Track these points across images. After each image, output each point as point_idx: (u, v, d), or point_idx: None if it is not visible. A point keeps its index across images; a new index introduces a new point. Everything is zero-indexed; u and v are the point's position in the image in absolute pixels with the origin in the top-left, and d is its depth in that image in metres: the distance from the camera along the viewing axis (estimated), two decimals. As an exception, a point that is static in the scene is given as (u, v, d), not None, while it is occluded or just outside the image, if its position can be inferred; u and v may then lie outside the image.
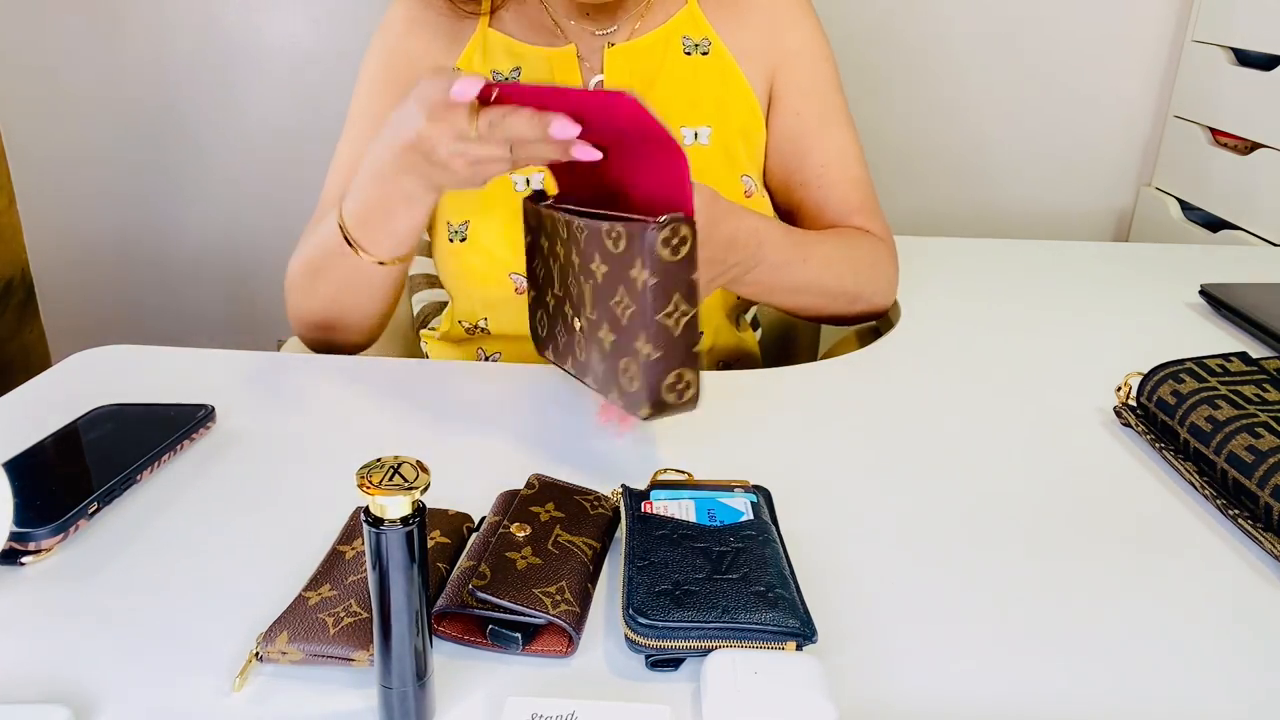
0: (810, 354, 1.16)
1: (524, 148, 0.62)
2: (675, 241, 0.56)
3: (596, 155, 0.61)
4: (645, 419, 0.59)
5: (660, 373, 0.58)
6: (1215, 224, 1.50)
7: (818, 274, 0.83)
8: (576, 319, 0.66)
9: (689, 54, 0.88)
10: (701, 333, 0.72)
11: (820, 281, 0.84)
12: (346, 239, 0.73)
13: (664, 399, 0.58)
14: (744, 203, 0.89)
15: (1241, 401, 0.64)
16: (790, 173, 0.92)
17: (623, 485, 0.57)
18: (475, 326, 0.90)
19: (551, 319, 0.71)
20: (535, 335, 0.74)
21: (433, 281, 1.09)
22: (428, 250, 1.09)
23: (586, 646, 0.47)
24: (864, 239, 0.90)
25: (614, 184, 0.64)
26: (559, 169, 0.70)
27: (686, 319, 0.58)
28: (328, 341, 0.85)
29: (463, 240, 0.86)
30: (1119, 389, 0.72)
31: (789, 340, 1.16)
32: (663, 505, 0.55)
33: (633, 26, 0.88)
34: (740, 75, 0.89)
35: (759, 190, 0.91)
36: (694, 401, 0.60)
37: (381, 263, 0.74)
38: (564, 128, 0.59)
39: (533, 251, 0.72)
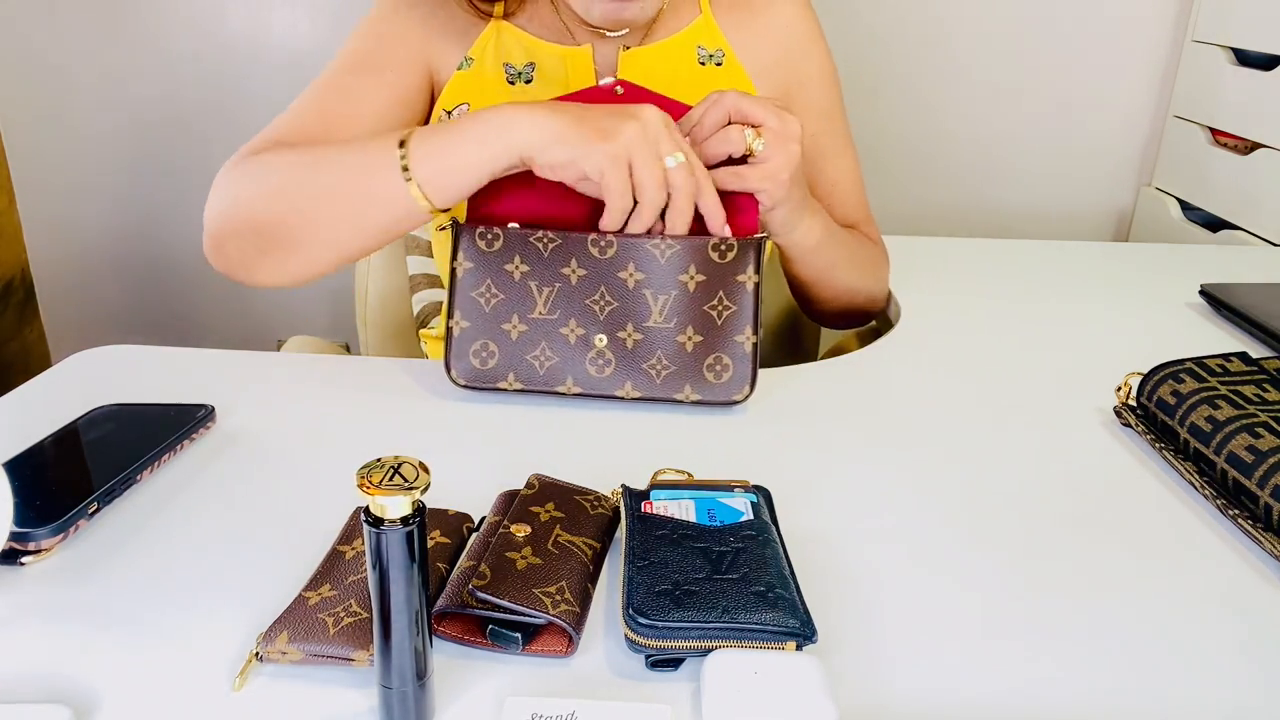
0: (810, 354, 1.16)
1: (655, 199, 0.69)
2: (724, 248, 0.71)
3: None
4: (744, 400, 0.71)
5: (759, 354, 0.71)
6: (1215, 224, 1.50)
7: (842, 255, 0.87)
8: (599, 335, 0.71)
9: (703, 64, 0.89)
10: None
11: (837, 263, 0.87)
12: (401, 155, 0.69)
13: (756, 375, 0.71)
14: None
15: (1241, 401, 0.64)
16: None
17: (623, 485, 0.57)
18: None
19: (515, 346, 0.71)
20: (464, 368, 0.72)
21: (433, 281, 1.09)
22: (428, 250, 1.09)
23: (586, 646, 0.47)
24: (867, 240, 0.95)
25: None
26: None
27: (729, 313, 0.71)
28: (250, 257, 0.76)
29: None
30: (1119, 389, 0.72)
31: (789, 340, 1.16)
32: (663, 505, 0.55)
33: (645, 29, 0.89)
34: (753, 89, 0.90)
35: None
36: (735, 387, 0.72)
37: (411, 192, 0.70)
38: (721, 224, 0.71)
39: (478, 280, 0.71)
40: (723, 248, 0.70)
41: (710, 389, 0.70)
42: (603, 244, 0.71)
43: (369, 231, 0.74)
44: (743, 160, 0.73)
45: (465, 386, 0.72)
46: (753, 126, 0.72)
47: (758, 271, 0.71)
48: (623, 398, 0.71)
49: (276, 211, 0.74)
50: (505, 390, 0.72)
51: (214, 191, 0.78)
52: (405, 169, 0.69)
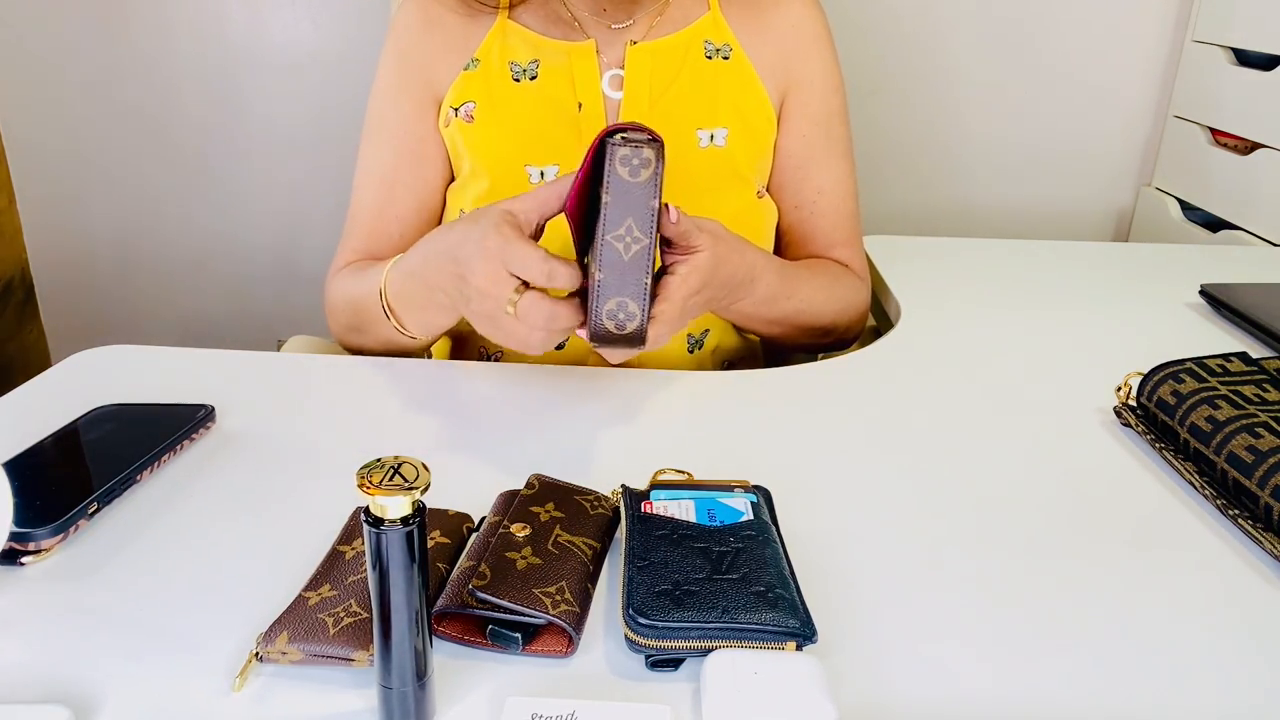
0: (810, 354, 1.16)
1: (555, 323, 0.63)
2: (636, 163, 0.53)
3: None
4: (595, 348, 0.56)
5: (603, 298, 0.54)
6: (1215, 224, 1.50)
7: (798, 310, 0.86)
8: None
9: (710, 58, 0.90)
10: (661, 270, 0.65)
11: (799, 318, 0.87)
12: (385, 309, 0.78)
13: (603, 326, 0.54)
14: (756, 204, 0.90)
15: (1241, 401, 0.64)
16: (786, 194, 0.94)
17: (623, 485, 0.57)
18: None
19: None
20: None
21: (433, 281, 1.09)
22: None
23: (586, 646, 0.47)
24: (846, 278, 0.93)
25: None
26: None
27: (639, 247, 0.53)
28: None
29: None
30: (1119, 389, 0.72)
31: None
32: (663, 505, 0.55)
33: (650, 23, 0.89)
34: (759, 84, 0.90)
35: (768, 195, 0.92)
36: (638, 338, 0.55)
37: (413, 337, 0.79)
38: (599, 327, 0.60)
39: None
40: (601, 150, 0.56)
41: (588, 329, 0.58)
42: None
43: (412, 343, 0.82)
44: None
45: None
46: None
47: (607, 187, 0.55)
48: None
49: (358, 344, 0.87)
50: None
51: (327, 312, 0.91)
52: (399, 328, 0.78)
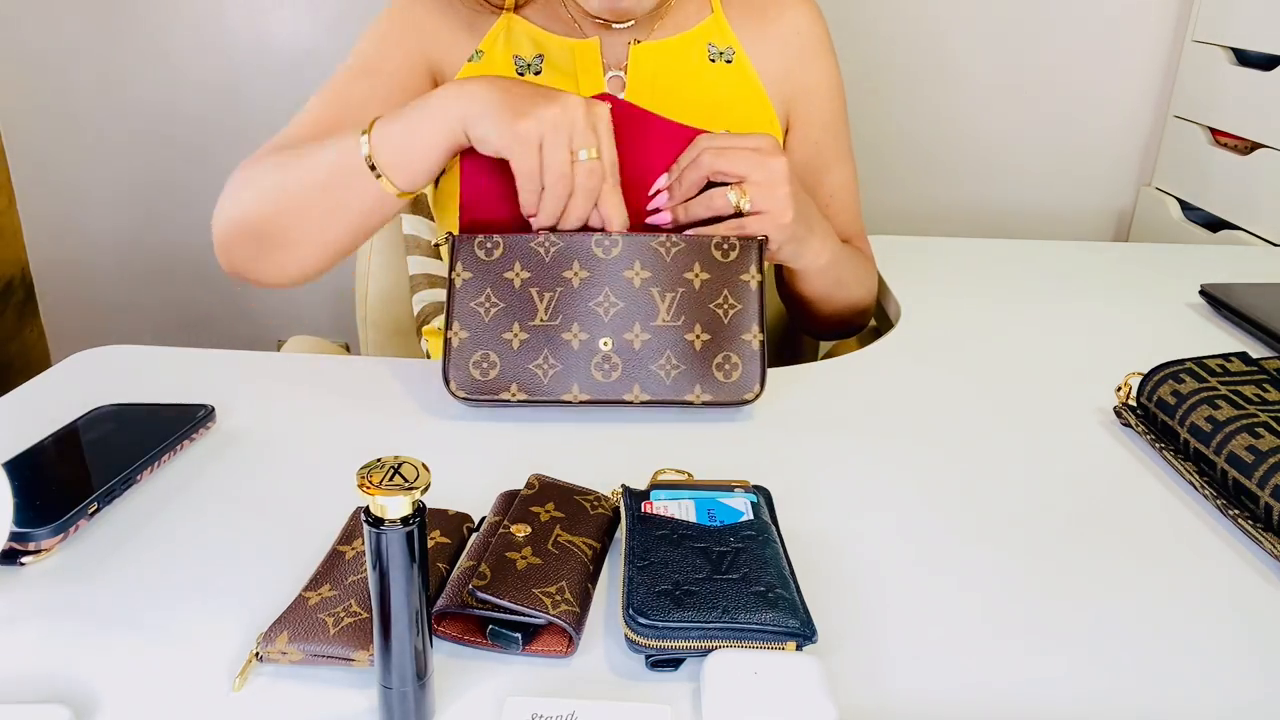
0: (810, 354, 1.16)
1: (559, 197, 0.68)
2: (770, 249, 0.74)
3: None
4: (754, 399, 0.70)
5: (765, 353, 0.71)
6: (1215, 224, 1.50)
7: (845, 276, 0.88)
8: (604, 339, 0.69)
9: (713, 61, 0.90)
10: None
11: (844, 289, 0.89)
12: (365, 145, 0.71)
13: (765, 373, 0.71)
14: None
15: (1241, 401, 0.64)
16: None
17: (623, 485, 0.57)
18: None
19: (517, 355, 0.69)
20: (463, 379, 0.69)
21: (433, 281, 1.09)
22: (428, 250, 1.09)
23: (586, 646, 0.47)
24: (867, 261, 0.97)
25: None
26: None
27: (735, 312, 0.71)
28: (252, 259, 0.79)
29: None
30: (1119, 389, 0.72)
31: (789, 340, 1.16)
32: (663, 505, 0.55)
33: (652, 25, 0.89)
34: (761, 89, 0.91)
35: None
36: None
37: (379, 178, 0.71)
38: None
39: (477, 289, 0.70)
40: (725, 247, 0.71)
41: (721, 388, 0.69)
42: (607, 244, 0.70)
43: (347, 222, 0.75)
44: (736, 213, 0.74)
45: (465, 399, 0.70)
46: (736, 183, 0.72)
47: (760, 270, 0.71)
48: (631, 402, 0.69)
49: (267, 213, 0.76)
50: (509, 402, 0.69)
51: (220, 198, 0.80)
52: (368, 157, 0.71)
